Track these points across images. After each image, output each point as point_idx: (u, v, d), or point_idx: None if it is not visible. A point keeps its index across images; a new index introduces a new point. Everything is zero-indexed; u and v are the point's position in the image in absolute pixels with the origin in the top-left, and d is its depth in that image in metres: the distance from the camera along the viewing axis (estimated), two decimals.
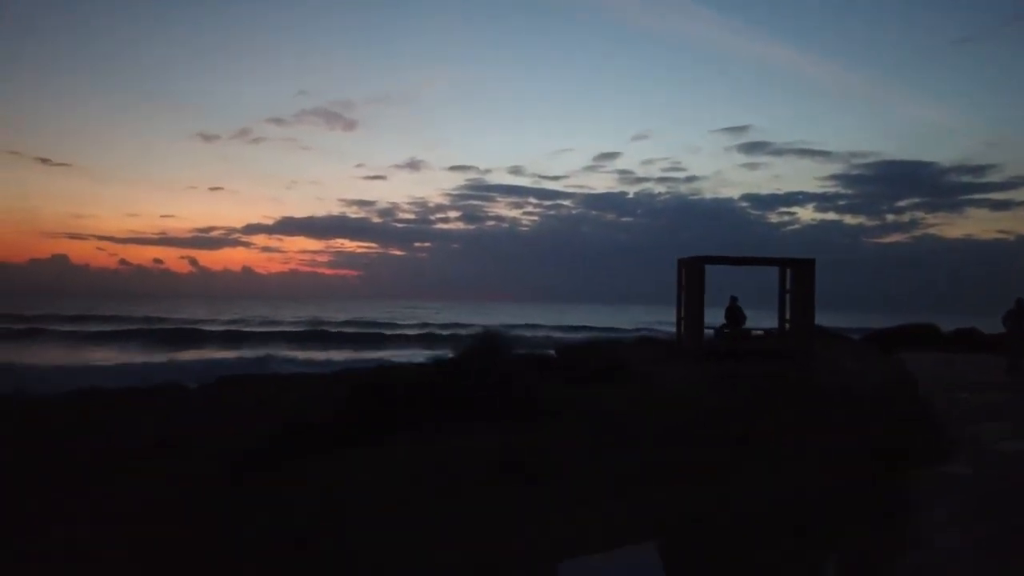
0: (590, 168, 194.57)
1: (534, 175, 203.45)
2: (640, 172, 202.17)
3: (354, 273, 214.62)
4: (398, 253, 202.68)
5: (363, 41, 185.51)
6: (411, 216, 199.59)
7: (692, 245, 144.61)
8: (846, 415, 9.94)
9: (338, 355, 36.77)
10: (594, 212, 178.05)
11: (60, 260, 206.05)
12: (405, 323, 66.94)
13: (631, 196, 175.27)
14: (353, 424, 8.34)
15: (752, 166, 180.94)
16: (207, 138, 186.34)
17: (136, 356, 37.04)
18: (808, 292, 18.12)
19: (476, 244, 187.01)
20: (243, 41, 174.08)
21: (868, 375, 15.24)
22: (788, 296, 18.75)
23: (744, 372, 13.87)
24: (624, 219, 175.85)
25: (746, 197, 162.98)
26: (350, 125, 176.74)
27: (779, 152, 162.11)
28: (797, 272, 18.45)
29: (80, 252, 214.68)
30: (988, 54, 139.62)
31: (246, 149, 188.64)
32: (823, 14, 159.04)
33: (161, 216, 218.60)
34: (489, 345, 9.43)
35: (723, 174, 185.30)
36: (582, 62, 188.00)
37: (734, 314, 19.05)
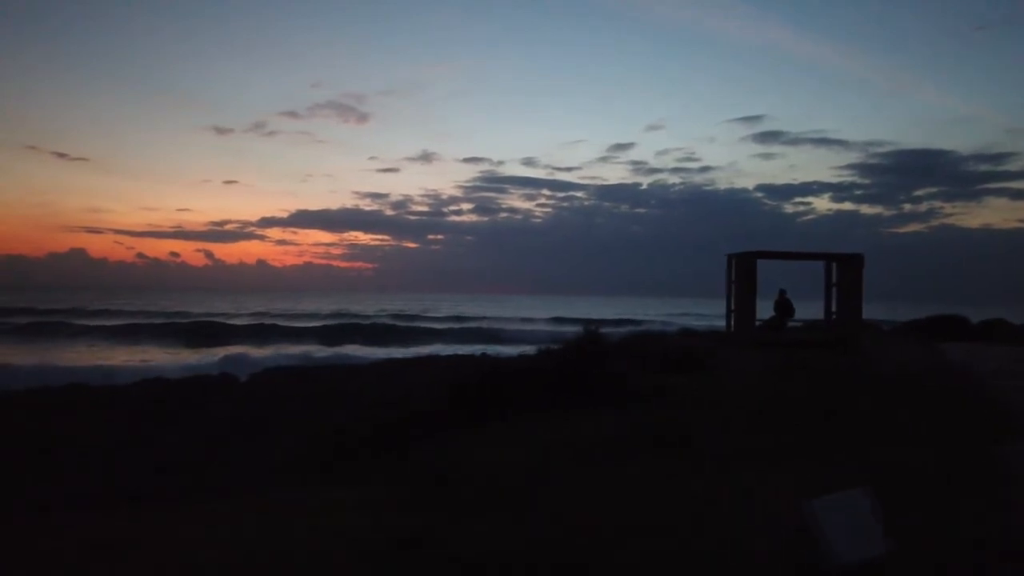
0: (603, 159, 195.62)
1: (547, 166, 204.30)
2: (654, 163, 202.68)
3: (368, 266, 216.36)
4: (411, 246, 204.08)
5: (375, 33, 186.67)
6: (424, 208, 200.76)
7: (707, 236, 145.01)
8: (916, 398, 10.82)
9: (398, 351, 36.93)
10: (607, 203, 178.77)
11: (78, 254, 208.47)
12: (437, 316, 67.57)
13: (645, 187, 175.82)
14: (479, 407, 9.26)
15: (767, 156, 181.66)
16: (221, 132, 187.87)
17: (187, 351, 38.09)
18: (856, 285, 19.01)
19: (489, 236, 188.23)
20: (257, 35, 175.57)
21: (918, 362, 16.10)
22: (835, 289, 19.63)
23: (804, 361, 14.74)
24: (638, 210, 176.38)
25: (761, 187, 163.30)
26: (363, 118, 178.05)
27: (794, 141, 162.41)
28: (844, 266, 19.34)
29: (98, 246, 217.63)
30: (1007, 41, 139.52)
31: (260, 142, 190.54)
32: (839, 1, 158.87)
33: (177, 210, 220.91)
34: (593, 338, 10.38)
35: (738, 164, 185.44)
36: (595, 52, 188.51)
37: (783, 306, 19.93)
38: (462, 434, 8.59)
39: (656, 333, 22.83)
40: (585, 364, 9.51)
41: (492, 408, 9.00)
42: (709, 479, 6.13)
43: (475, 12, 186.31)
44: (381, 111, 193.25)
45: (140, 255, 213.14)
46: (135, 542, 5.07)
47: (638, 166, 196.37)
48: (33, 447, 10.46)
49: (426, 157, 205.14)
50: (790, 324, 20.20)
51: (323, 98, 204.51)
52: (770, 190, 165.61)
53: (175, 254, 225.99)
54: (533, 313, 73.26)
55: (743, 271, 19.22)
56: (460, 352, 27.32)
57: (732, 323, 20.00)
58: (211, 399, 15.26)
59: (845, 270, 19.25)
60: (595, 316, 66.69)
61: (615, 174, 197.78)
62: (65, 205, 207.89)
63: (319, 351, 34.88)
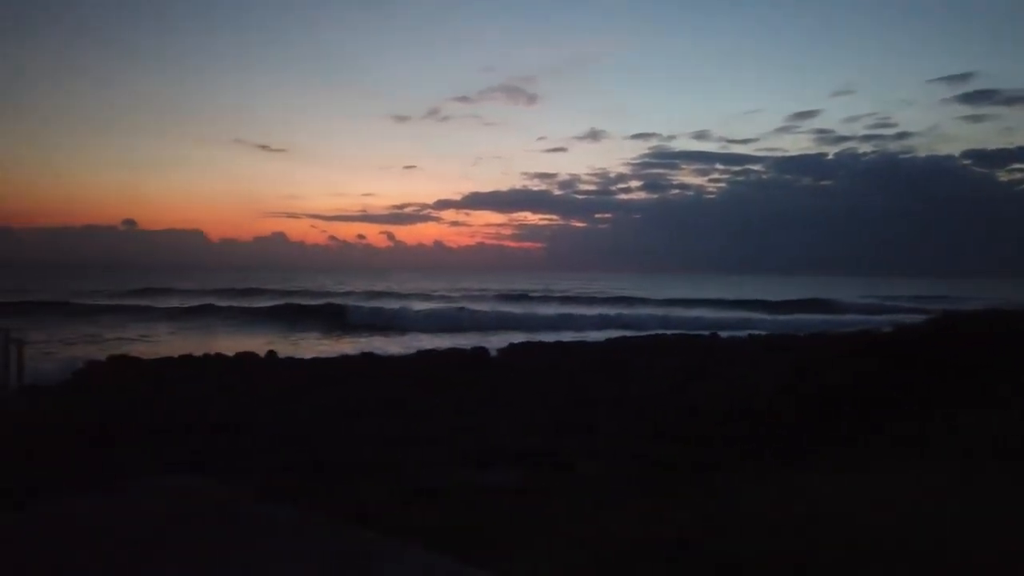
0: (783, 129, 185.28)
1: (721, 139, 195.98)
2: (841, 130, 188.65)
3: (537, 246, 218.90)
4: (579, 225, 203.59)
5: (543, 13, 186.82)
6: (592, 187, 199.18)
7: (903, 209, 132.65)
8: None
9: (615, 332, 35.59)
10: (788, 176, 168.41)
11: (279, 237, 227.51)
12: (642, 297, 65.48)
13: (831, 157, 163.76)
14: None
15: (976, 118, 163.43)
16: (400, 119, 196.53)
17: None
18: None
19: (659, 214, 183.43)
20: (431, 23, 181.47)
21: None
22: None
23: None
24: (823, 183, 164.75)
25: (969, 153, 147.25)
26: (531, 99, 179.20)
27: (1010, 101, 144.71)
28: None
29: (295, 230, 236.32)
30: None
31: (435, 128, 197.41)
32: None
33: (362, 194, 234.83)
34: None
35: (940, 129, 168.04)
36: (772, 13, 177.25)
37: None
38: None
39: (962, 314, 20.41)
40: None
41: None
42: None
43: None
44: (549, 91, 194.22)
45: (332, 238, 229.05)
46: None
47: (823, 135, 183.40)
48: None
49: (594, 135, 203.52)
50: None
51: (493, 81, 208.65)
52: (980, 156, 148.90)
53: (361, 236, 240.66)
54: (722, 294, 70.01)
55: None
56: (688, 334, 26.36)
57: None
58: (482, 373, 15.43)
59: None
60: (791, 298, 62.81)
61: (796, 144, 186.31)
62: (267, 193, 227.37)
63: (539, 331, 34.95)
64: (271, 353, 18.00)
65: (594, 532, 4.96)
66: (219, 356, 16.66)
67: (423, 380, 13.44)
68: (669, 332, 27.16)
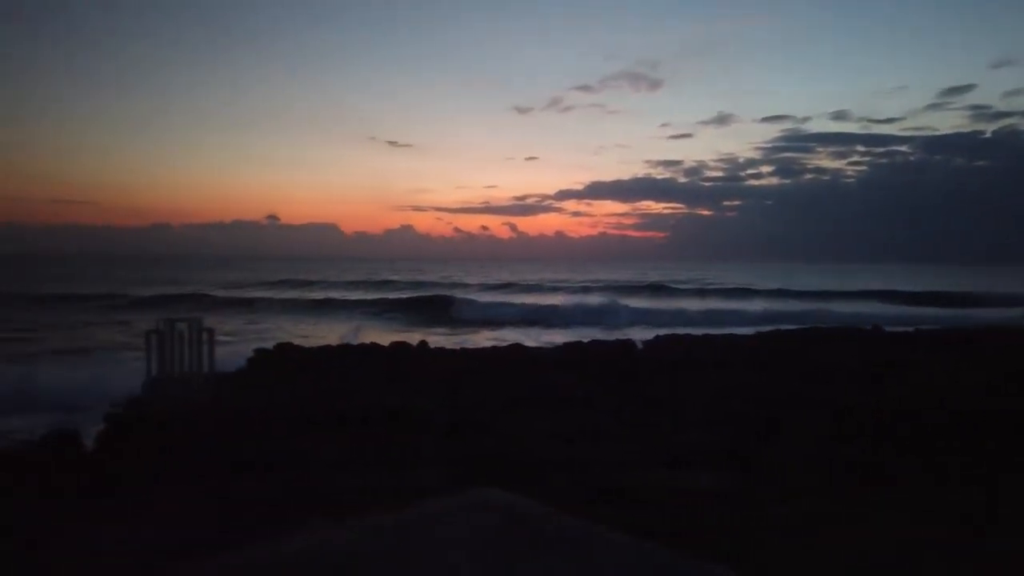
0: (933, 106, 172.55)
1: (861, 119, 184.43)
2: (1001, 106, 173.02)
3: (660, 235, 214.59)
4: (705, 213, 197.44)
5: None
6: (719, 173, 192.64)
7: None
8: None
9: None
10: (937, 157, 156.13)
11: (407, 230, 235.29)
12: (787, 288, 62.37)
13: (988, 135, 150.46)
14: None
15: None
16: (522, 111, 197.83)
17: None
18: None
19: (792, 200, 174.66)
20: (552, 12, 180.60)
21: None
22: None
23: None
24: (978, 163, 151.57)
25: None
26: (655, 84, 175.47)
27: None
28: None
29: (422, 222, 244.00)
30: None
31: (557, 118, 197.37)
32: None
33: (485, 187, 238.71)
34: None
35: None
36: None
37: None
38: None
39: None
40: None
41: None
42: None
43: None
44: (674, 76, 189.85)
45: (457, 229, 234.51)
46: None
47: (979, 111, 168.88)
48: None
49: (722, 119, 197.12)
50: None
51: (615, 68, 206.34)
52: None
53: (485, 228, 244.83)
54: (870, 285, 65.56)
55: None
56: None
57: None
58: (638, 367, 15.07)
59: None
60: (950, 289, 57.97)
61: (948, 122, 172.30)
62: (396, 187, 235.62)
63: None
64: (423, 343, 18.39)
65: (831, 543, 4.57)
66: (375, 346, 17.17)
67: (578, 373, 13.25)
68: (824, 326, 25.69)
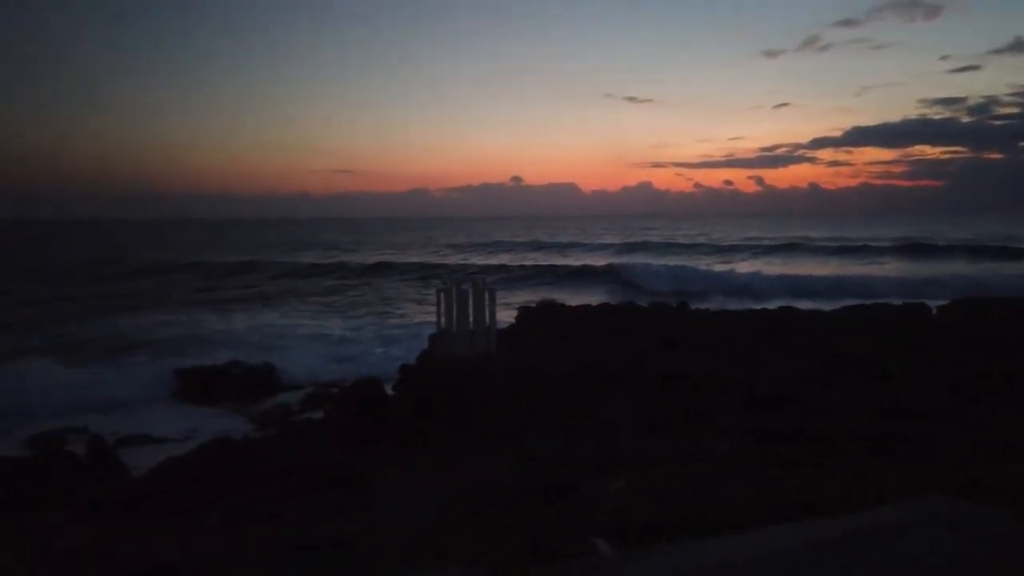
0: None
1: None
2: None
3: (936, 184, 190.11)
4: (995, 156, 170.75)
5: None
6: (1014, 111, 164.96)
7: None
8: None
9: None
10: None
11: (645, 187, 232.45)
12: None
13: None
14: None
15: None
16: (771, 55, 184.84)
17: None
18: None
19: None
20: None
21: None
22: None
23: None
24: None
25: None
26: (932, 12, 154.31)
27: None
28: None
29: (661, 179, 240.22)
30: None
31: (811, 59, 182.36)
32: None
33: (729, 139, 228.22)
34: None
35: None
36: None
37: None
38: None
39: None
40: None
41: None
42: None
43: None
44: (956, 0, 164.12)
45: (697, 185, 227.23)
46: None
47: None
48: None
49: (1019, 45, 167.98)
50: None
51: None
52: None
53: (728, 182, 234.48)
54: None
55: None
56: None
57: None
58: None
59: None
60: None
61: None
62: (634, 144, 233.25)
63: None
64: (682, 304, 17.73)
65: None
66: (634, 306, 16.84)
67: (872, 338, 11.85)
68: None
